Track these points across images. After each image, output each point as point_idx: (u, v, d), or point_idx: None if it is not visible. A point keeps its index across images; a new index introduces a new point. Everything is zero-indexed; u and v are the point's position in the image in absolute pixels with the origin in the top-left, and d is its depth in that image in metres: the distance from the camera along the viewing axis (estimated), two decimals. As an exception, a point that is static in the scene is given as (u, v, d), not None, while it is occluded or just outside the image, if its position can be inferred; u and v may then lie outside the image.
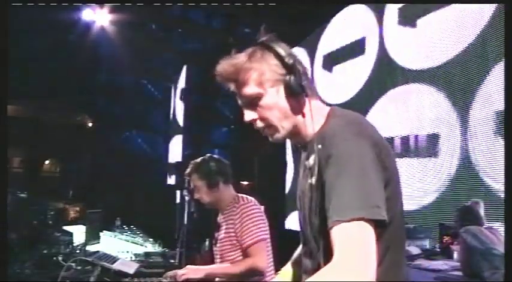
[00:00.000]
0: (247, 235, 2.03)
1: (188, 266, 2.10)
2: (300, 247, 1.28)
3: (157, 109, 10.71)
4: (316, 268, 1.00)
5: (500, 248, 2.74)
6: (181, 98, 9.16)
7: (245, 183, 8.07)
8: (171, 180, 9.17)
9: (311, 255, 1.11)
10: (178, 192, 7.11)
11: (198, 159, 2.27)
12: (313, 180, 1.02)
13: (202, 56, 8.36)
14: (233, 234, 2.09)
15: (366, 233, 0.87)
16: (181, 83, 9.17)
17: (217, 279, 2.13)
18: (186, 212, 2.35)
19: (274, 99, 1.06)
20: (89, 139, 10.51)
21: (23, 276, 2.32)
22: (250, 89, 1.07)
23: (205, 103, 8.96)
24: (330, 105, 1.15)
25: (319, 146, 1.00)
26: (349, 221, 0.87)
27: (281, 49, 1.07)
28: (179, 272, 2.05)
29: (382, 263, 0.95)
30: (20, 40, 6.10)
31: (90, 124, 11.09)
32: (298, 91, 1.04)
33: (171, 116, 10.10)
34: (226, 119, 9.57)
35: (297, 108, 1.07)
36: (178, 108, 9.39)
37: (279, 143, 1.14)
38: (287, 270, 1.40)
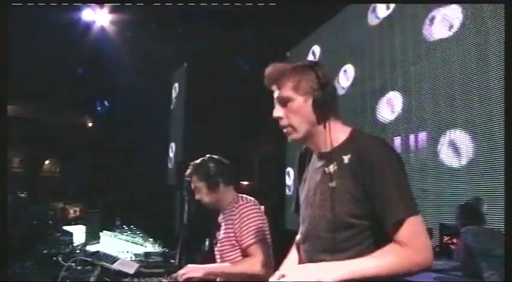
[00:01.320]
0: (246, 235, 2.03)
1: (189, 265, 2.10)
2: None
3: (157, 109, 10.70)
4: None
5: (501, 249, 2.73)
6: (181, 98, 9.16)
7: (245, 183, 8.07)
8: (171, 180, 9.17)
9: (305, 242, 1.33)
10: (178, 192, 7.11)
11: (198, 160, 2.26)
12: (335, 184, 1.23)
13: (202, 56, 8.36)
14: (232, 234, 2.09)
15: (419, 222, 1.16)
16: (181, 83, 9.17)
17: (218, 279, 2.13)
18: (186, 212, 2.35)
19: (301, 106, 1.26)
20: (89, 139, 10.51)
21: (23, 276, 2.32)
22: (285, 92, 1.27)
23: (205, 103, 8.96)
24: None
25: (346, 156, 1.22)
26: (407, 217, 1.13)
27: (319, 70, 1.27)
28: (180, 271, 2.05)
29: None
30: (20, 40, 6.10)
31: (90, 124, 11.09)
32: (322, 106, 1.25)
33: (171, 116, 10.10)
34: (227, 118, 9.57)
35: (318, 119, 1.26)
36: (178, 108, 9.39)
37: (288, 143, 1.28)
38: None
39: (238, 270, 2.02)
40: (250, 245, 2.02)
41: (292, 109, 1.27)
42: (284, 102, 1.27)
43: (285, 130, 1.31)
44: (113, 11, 6.61)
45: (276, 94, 1.30)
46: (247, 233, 2.03)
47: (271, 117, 1.31)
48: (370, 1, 5.16)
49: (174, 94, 9.98)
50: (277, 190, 7.14)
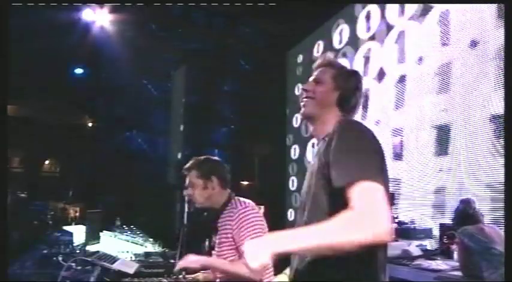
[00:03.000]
0: (244, 241, 2.02)
1: (190, 255, 2.10)
2: None
3: (157, 109, 10.70)
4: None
5: (500, 246, 2.73)
6: (181, 98, 9.16)
7: (245, 183, 8.08)
8: (171, 180, 9.17)
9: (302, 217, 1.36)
10: (178, 192, 7.11)
11: (201, 157, 2.26)
12: (312, 162, 1.35)
13: (202, 56, 8.36)
14: (231, 239, 2.08)
15: (377, 191, 1.08)
16: (181, 82, 9.17)
17: (217, 280, 2.13)
18: (186, 212, 2.35)
19: (328, 91, 1.43)
20: (89, 139, 10.51)
21: (23, 276, 2.32)
22: (326, 76, 1.46)
23: (205, 103, 8.96)
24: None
25: (326, 138, 1.29)
26: (359, 181, 1.08)
27: (359, 79, 1.48)
28: (180, 262, 2.06)
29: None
30: (20, 40, 6.10)
31: (90, 124, 11.09)
32: (344, 102, 1.42)
33: (171, 115, 10.10)
34: (226, 119, 9.58)
35: (333, 110, 1.42)
36: (178, 108, 9.39)
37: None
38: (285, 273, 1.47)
39: (235, 270, 2.01)
40: None
41: (320, 90, 1.43)
42: (318, 82, 1.45)
43: (303, 102, 1.45)
44: (113, 11, 6.61)
45: (315, 74, 1.48)
46: (245, 237, 2.02)
47: (301, 89, 1.48)
48: (370, 1, 5.16)
49: (173, 93, 9.98)
50: (277, 190, 7.14)
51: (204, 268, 2.09)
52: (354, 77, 1.47)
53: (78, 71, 9.01)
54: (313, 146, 1.51)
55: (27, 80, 7.75)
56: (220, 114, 9.55)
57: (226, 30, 7.45)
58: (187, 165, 2.24)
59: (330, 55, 1.55)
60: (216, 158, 2.31)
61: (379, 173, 1.12)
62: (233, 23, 7.24)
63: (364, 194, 1.07)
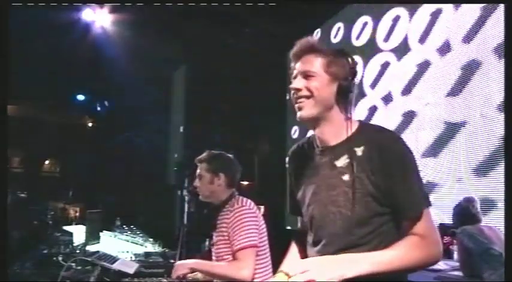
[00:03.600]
0: (237, 239, 2.02)
1: (177, 263, 2.10)
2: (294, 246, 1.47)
3: (157, 109, 10.69)
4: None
5: (499, 247, 2.73)
6: (181, 98, 9.16)
7: (245, 183, 8.07)
8: (171, 180, 9.17)
9: (319, 243, 1.25)
10: (178, 192, 7.10)
11: (215, 152, 2.28)
12: (347, 177, 1.18)
13: (202, 56, 8.35)
14: (227, 237, 2.09)
15: (431, 214, 1.17)
16: (181, 82, 9.16)
17: (214, 280, 2.13)
18: (186, 212, 2.35)
19: (324, 85, 1.21)
20: (89, 139, 10.50)
21: (23, 276, 2.32)
22: (314, 67, 1.22)
23: (205, 103, 8.95)
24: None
25: (358, 149, 1.18)
26: (422, 211, 1.14)
27: (352, 60, 1.24)
28: (172, 270, 2.06)
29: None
30: (20, 40, 6.09)
31: (90, 124, 11.08)
32: (344, 95, 1.21)
33: (171, 115, 10.10)
34: (226, 119, 9.57)
35: (334, 106, 1.23)
36: (179, 108, 9.39)
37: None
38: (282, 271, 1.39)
39: (222, 272, 2.01)
40: (239, 249, 2.00)
41: (315, 85, 1.21)
42: (308, 76, 1.22)
43: (298, 104, 1.24)
44: (113, 11, 6.60)
45: (300, 67, 1.24)
46: (237, 237, 2.02)
47: (291, 89, 1.25)
48: (370, 1, 5.16)
49: (173, 93, 9.98)
50: (277, 190, 7.14)
51: (193, 271, 2.08)
52: (347, 61, 1.23)
53: (78, 71, 9.00)
54: (321, 153, 1.28)
55: (27, 80, 7.74)
56: (220, 114, 9.54)
57: (226, 30, 7.44)
58: (201, 156, 2.27)
59: (311, 38, 1.29)
60: (230, 155, 2.32)
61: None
62: (233, 23, 7.23)
63: (429, 220, 1.15)
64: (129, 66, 7.93)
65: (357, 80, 1.24)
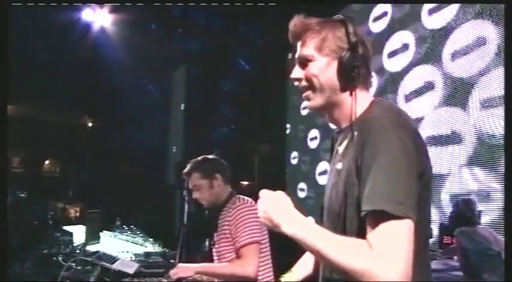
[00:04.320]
0: (239, 236, 2.02)
1: (179, 265, 2.10)
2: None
3: (157, 109, 10.70)
4: None
5: (496, 247, 2.73)
6: (181, 98, 9.16)
7: (245, 183, 8.07)
8: (171, 180, 9.18)
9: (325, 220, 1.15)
10: (178, 192, 7.11)
11: (199, 158, 2.26)
12: (340, 165, 1.06)
13: (202, 56, 8.36)
14: (229, 235, 2.09)
15: (402, 227, 0.88)
16: (181, 82, 9.17)
17: (216, 280, 2.13)
18: (186, 212, 2.35)
19: (324, 68, 1.08)
20: (89, 139, 10.51)
21: (23, 276, 2.32)
22: (307, 50, 1.09)
23: (205, 103, 8.96)
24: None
25: (355, 133, 1.01)
26: (387, 213, 0.88)
27: (352, 27, 1.07)
28: (171, 271, 2.05)
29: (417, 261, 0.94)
30: (20, 40, 6.10)
31: (90, 124, 11.09)
32: (349, 70, 1.05)
33: (171, 115, 10.10)
34: (226, 119, 9.57)
35: (342, 87, 1.07)
36: (178, 108, 9.39)
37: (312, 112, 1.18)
38: (292, 271, 1.40)
39: (228, 272, 2.01)
40: (242, 246, 2.01)
41: (313, 71, 1.08)
42: (305, 62, 1.10)
43: (303, 94, 1.13)
44: (113, 11, 6.61)
45: (298, 51, 1.12)
46: (240, 234, 2.02)
47: (290, 80, 1.14)
48: (370, 1, 5.16)
49: (173, 93, 9.99)
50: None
51: (196, 276, 2.08)
52: (341, 26, 1.08)
53: (78, 70, 9.01)
54: (333, 141, 1.19)
55: (27, 80, 7.74)
56: (220, 114, 9.55)
57: (226, 30, 7.45)
58: (186, 170, 2.23)
59: (299, 18, 1.15)
60: (212, 156, 2.31)
61: (413, 204, 0.90)
62: (233, 23, 7.24)
63: (387, 231, 0.88)
64: (129, 66, 7.94)
65: (362, 49, 1.06)
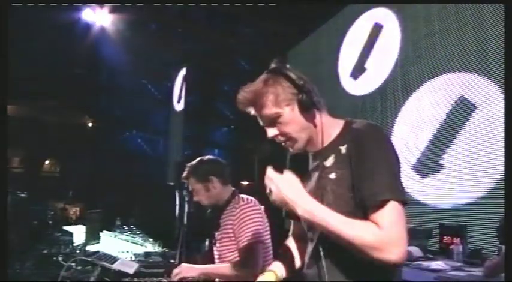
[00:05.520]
0: (243, 236, 2.02)
1: (182, 264, 2.09)
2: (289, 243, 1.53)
3: (157, 109, 10.71)
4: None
5: None
6: (180, 99, 9.16)
7: (245, 183, 8.07)
8: (171, 180, 9.18)
9: (312, 240, 1.29)
10: (178, 192, 7.10)
11: (194, 162, 2.25)
12: (334, 175, 1.21)
13: (202, 56, 8.36)
14: (232, 234, 2.09)
15: (402, 212, 1.10)
16: (181, 82, 9.17)
17: (217, 280, 2.13)
18: (186, 212, 2.35)
19: (291, 116, 1.23)
20: (89, 139, 10.51)
21: (23, 276, 2.32)
22: (269, 110, 1.23)
23: (205, 103, 8.96)
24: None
25: (342, 147, 1.20)
26: (392, 201, 1.09)
27: (291, 73, 1.23)
28: (174, 270, 2.05)
29: None
30: (20, 40, 6.10)
31: (90, 124, 11.10)
32: (310, 106, 1.22)
33: (171, 115, 10.10)
34: (226, 119, 9.58)
35: (310, 120, 1.24)
36: (178, 108, 9.39)
37: (297, 151, 1.31)
38: (271, 270, 1.42)
39: (231, 272, 2.01)
40: (247, 246, 2.01)
41: (284, 122, 1.23)
42: (273, 119, 1.24)
43: (285, 144, 1.28)
44: (113, 11, 6.62)
45: (260, 116, 1.26)
46: (244, 234, 2.02)
47: (267, 138, 1.27)
48: (369, 1, 5.16)
49: (174, 94, 9.99)
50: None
51: (200, 276, 2.08)
52: (283, 76, 1.23)
53: (78, 71, 9.02)
54: (313, 157, 1.34)
55: (27, 80, 7.74)
56: (220, 114, 9.55)
57: (226, 30, 7.44)
58: (184, 174, 2.23)
59: (245, 88, 1.25)
60: (210, 156, 2.30)
61: (405, 191, 1.13)
62: (233, 23, 7.24)
63: (392, 215, 1.08)
64: (129, 66, 7.95)
65: (308, 85, 1.22)
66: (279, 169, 1.24)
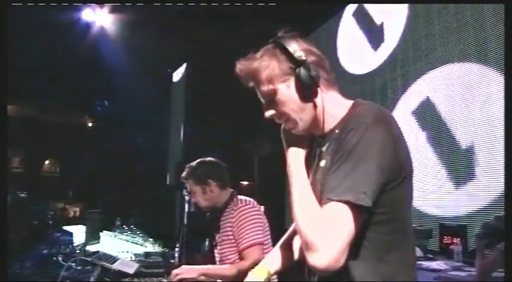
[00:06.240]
0: (243, 238, 2.03)
1: (183, 266, 2.10)
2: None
3: (157, 109, 10.70)
4: None
5: None
6: (180, 98, 9.16)
7: (245, 183, 8.07)
8: (171, 180, 9.18)
9: None
10: (178, 192, 7.11)
11: (194, 163, 2.25)
12: (323, 163, 1.09)
13: (202, 56, 8.35)
14: (232, 236, 2.09)
15: (345, 215, 0.93)
16: (181, 82, 9.17)
17: (218, 280, 2.13)
18: (186, 212, 2.35)
19: (287, 94, 1.09)
20: (89, 139, 10.51)
21: (23, 276, 2.32)
22: (263, 87, 1.11)
23: (205, 103, 8.95)
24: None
25: (337, 131, 1.06)
26: (336, 201, 0.94)
27: (290, 44, 1.09)
28: (174, 271, 2.05)
29: (389, 262, 1.02)
30: (20, 40, 6.10)
31: (90, 124, 11.10)
32: (309, 83, 1.06)
33: (171, 115, 10.10)
34: (226, 119, 9.56)
35: (311, 99, 1.09)
36: (178, 108, 9.39)
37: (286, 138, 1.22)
38: (264, 265, 1.33)
39: (232, 273, 2.01)
40: (247, 247, 2.01)
41: (280, 101, 1.10)
42: (269, 97, 1.11)
43: (286, 127, 1.16)
44: (113, 11, 6.61)
45: (259, 93, 1.14)
46: (244, 235, 2.03)
47: (264, 118, 1.16)
48: (369, 1, 5.16)
49: (173, 94, 9.99)
50: (277, 190, 7.14)
51: (200, 277, 2.08)
52: (279, 48, 1.10)
53: (78, 71, 9.02)
54: (315, 143, 1.17)
55: (27, 80, 7.74)
56: (220, 114, 9.54)
57: (226, 30, 7.44)
58: (183, 175, 2.24)
59: (240, 62, 1.15)
60: (210, 159, 2.30)
61: (363, 189, 0.94)
62: (233, 23, 7.23)
63: (333, 218, 0.94)
64: (129, 66, 7.94)
65: (311, 56, 1.09)
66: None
